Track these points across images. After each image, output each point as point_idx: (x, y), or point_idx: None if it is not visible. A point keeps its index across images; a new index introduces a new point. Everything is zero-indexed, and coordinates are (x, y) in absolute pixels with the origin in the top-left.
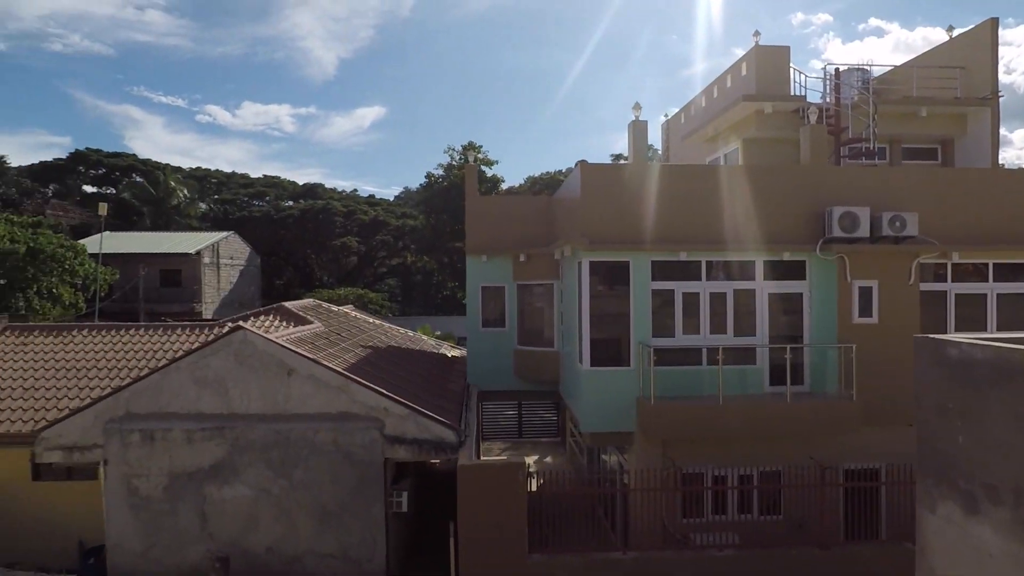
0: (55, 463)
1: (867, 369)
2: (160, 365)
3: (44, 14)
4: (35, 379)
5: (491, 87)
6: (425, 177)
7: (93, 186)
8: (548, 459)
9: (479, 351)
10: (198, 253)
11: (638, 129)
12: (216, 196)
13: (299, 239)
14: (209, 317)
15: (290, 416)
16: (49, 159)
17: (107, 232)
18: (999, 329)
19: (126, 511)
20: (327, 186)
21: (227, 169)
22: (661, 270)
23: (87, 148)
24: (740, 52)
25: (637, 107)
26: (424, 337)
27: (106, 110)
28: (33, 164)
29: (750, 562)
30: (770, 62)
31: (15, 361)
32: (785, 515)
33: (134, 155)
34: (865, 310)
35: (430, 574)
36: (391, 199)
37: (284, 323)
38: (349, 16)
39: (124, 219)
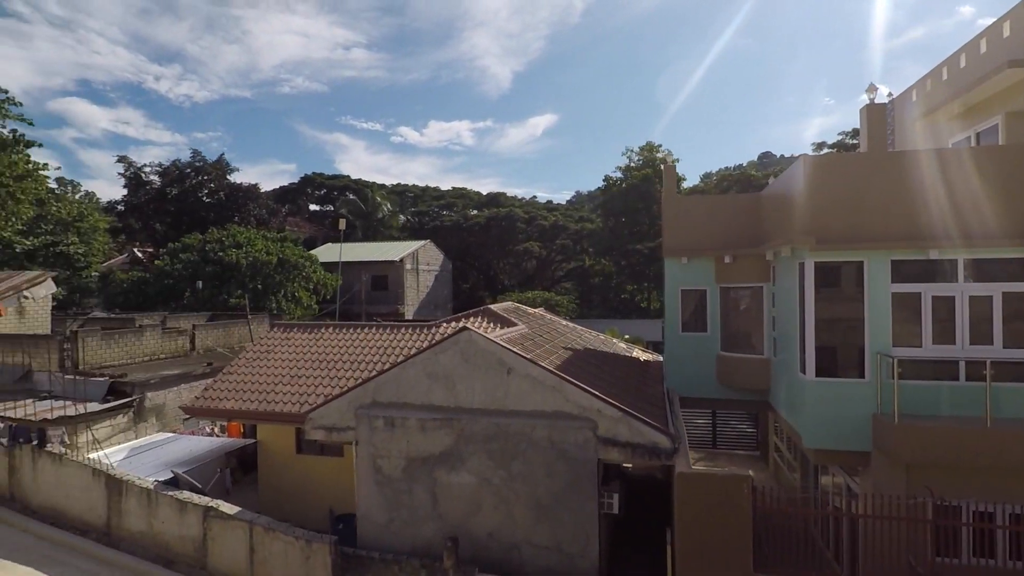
0: (318, 440)
1: None
2: (397, 360)
3: (277, 64)
4: (299, 368)
5: (661, 84)
6: (602, 180)
7: (316, 204)
8: (749, 473)
9: (678, 356)
10: (401, 260)
11: (874, 113)
12: (412, 208)
13: (484, 245)
14: (410, 318)
15: (509, 412)
16: (285, 183)
17: (328, 244)
18: None
19: (373, 487)
20: (508, 194)
21: (419, 184)
22: (903, 270)
23: (313, 173)
24: (967, 10)
25: (872, 88)
26: (615, 340)
27: (321, 139)
28: (275, 188)
29: None
30: None
31: (282, 353)
32: None
33: (348, 176)
34: None
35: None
36: (564, 203)
37: (492, 325)
38: (522, 31)
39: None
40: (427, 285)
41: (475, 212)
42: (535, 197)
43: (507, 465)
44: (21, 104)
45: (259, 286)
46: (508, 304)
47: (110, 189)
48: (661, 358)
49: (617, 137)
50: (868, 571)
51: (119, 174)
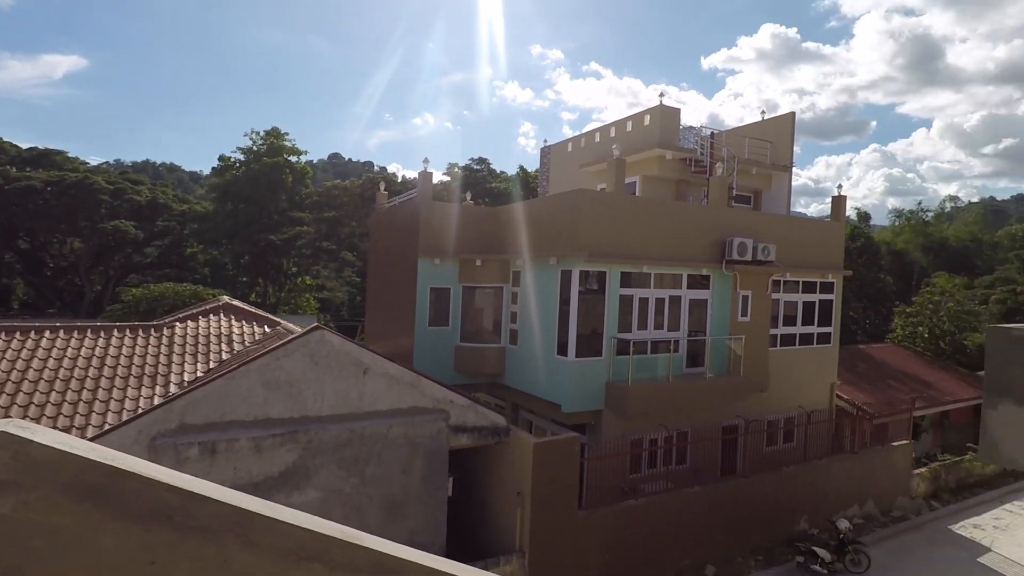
0: None
1: (746, 353)
2: (225, 369)
3: None
4: None
5: (233, 63)
6: (218, 160)
7: None
8: (578, 435)
9: (424, 348)
10: None
11: (618, 165)
12: None
13: (43, 218)
14: None
15: (364, 414)
16: None
17: None
18: (787, 322)
19: None
20: (69, 154)
21: None
22: (625, 279)
23: None
24: (487, 71)
25: (617, 147)
26: None
27: None
28: None
29: (680, 499)
30: (669, 118)
31: None
32: (691, 464)
33: None
34: (744, 312)
35: (461, 546)
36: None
37: (244, 322)
38: None
39: None
40: None
41: (19, 171)
42: (107, 163)
43: (361, 471)
44: None
45: None
46: (226, 297)
47: None
48: None
49: (175, 106)
50: (592, 494)
51: None
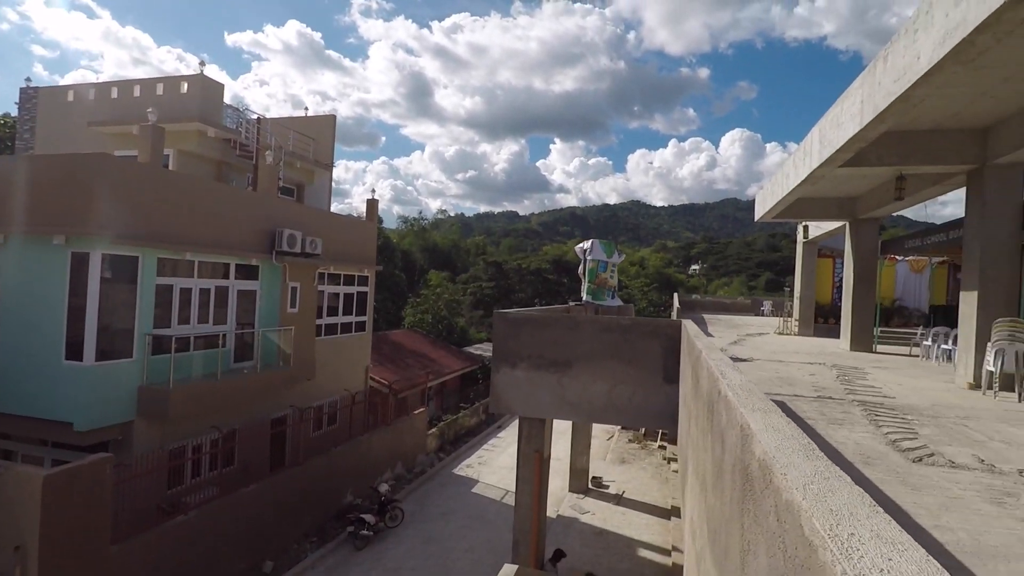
0: None
1: (296, 344)
2: None
3: None
4: None
5: None
6: None
7: None
8: (111, 454)
9: None
10: None
11: (155, 132)
12: None
13: None
14: None
15: None
16: None
17: None
18: (331, 312)
19: None
20: None
21: None
22: (163, 267)
23: None
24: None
25: (154, 112)
26: None
27: None
28: None
29: (231, 502)
30: (212, 91)
31: None
32: (239, 463)
33: None
34: (294, 303)
35: None
36: None
37: None
38: None
39: None
40: None
41: None
42: None
43: None
44: None
45: None
46: None
47: None
48: None
49: None
50: (126, 525)
51: None
